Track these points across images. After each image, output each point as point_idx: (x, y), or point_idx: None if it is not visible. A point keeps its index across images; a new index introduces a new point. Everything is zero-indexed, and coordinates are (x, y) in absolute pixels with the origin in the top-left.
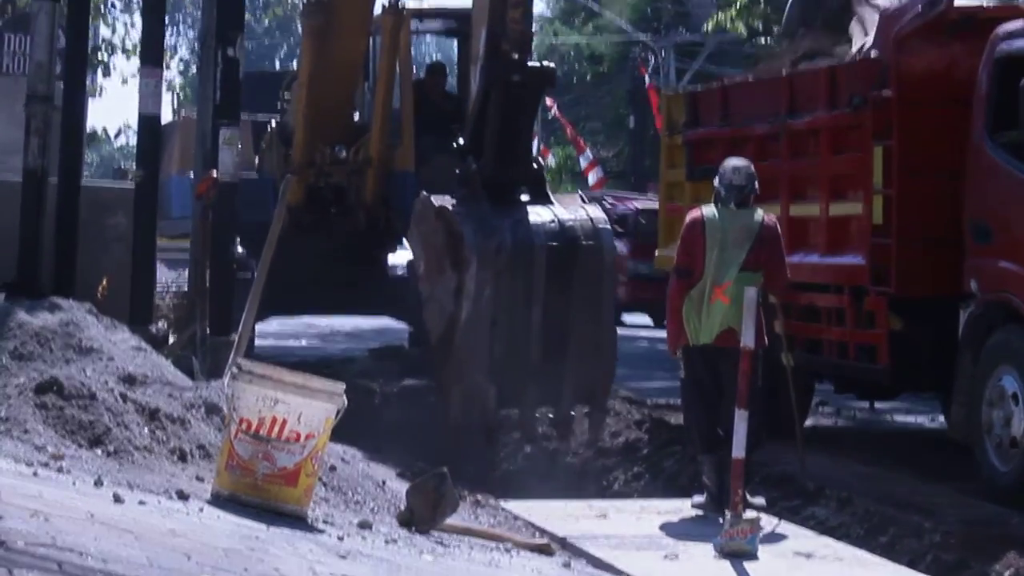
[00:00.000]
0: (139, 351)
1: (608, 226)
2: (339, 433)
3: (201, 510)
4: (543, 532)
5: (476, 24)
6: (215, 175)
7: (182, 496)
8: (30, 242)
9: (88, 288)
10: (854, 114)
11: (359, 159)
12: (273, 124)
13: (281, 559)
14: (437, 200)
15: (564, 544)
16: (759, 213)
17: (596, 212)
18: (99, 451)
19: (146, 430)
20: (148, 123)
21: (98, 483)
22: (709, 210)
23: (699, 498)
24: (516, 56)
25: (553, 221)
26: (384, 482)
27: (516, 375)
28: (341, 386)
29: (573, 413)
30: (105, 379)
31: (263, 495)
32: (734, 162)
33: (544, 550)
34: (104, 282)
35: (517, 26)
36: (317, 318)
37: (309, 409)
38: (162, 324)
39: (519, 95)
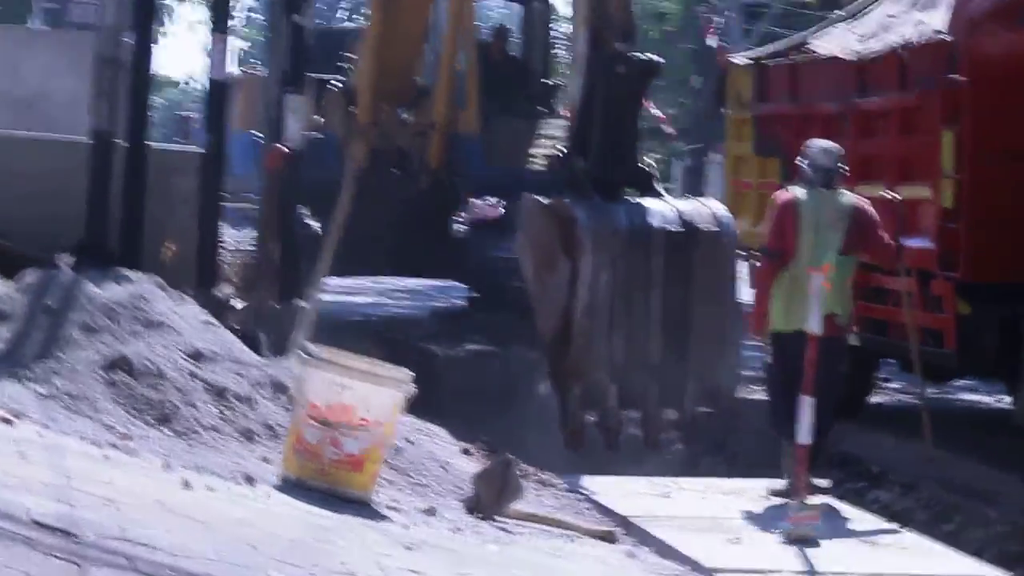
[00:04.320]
0: (207, 326)
1: (729, 215)
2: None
3: (268, 496)
4: (606, 511)
5: (577, 23)
6: (284, 149)
7: (249, 481)
8: (98, 205)
9: (155, 250)
10: (923, 97)
11: (423, 122)
12: (336, 83)
13: (347, 551)
14: (545, 198)
15: (627, 525)
16: (848, 196)
17: (714, 203)
18: (167, 430)
19: (214, 409)
20: (217, 88)
21: (167, 467)
22: (800, 191)
23: (779, 484)
24: (620, 46)
25: (671, 209)
26: (448, 462)
27: (637, 371)
28: (408, 374)
29: (700, 412)
30: (174, 357)
31: (329, 480)
32: (822, 143)
33: (607, 537)
34: (171, 245)
35: (620, 14)
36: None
37: (376, 396)
38: (228, 288)
39: (624, 88)
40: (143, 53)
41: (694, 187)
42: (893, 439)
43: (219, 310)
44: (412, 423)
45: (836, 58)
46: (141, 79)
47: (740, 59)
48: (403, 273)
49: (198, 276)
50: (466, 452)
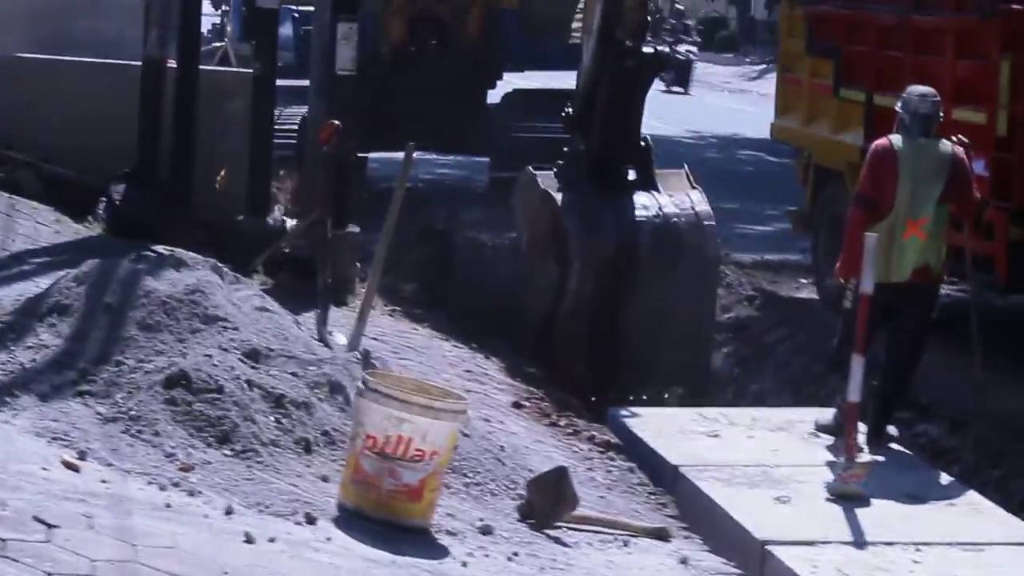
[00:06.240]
0: (262, 312)
1: (712, 220)
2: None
3: (328, 539)
4: (657, 462)
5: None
6: (337, 124)
7: (310, 520)
8: (149, 134)
9: (206, 175)
10: (981, 22)
11: None
12: None
13: None
14: (543, 181)
15: (676, 476)
16: (948, 144)
17: (702, 203)
18: (227, 450)
19: (272, 419)
20: (265, 16)
21: (228, 511)
22: (898, 140)
23: (826, 417)
24: (629, 42)
25: (657, 216)
26: (503, 448)
27: (614, 365)
28: (465, 404)
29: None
30: (231, 362)
31: (387, 511)
32: (920, 90)
33: (661, 535)
34: (223, 172)
35: (634, 16)
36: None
37: (434, 428)
38: (278, 213)
39: (630, 80)
40: None
41: None
42: (944, 360)
43: (272, 236)
44: (463, 364)
45: None
46: (191, 3)
47: None
48: (438, 150)
49: (249, 202)
50: (516, 405)
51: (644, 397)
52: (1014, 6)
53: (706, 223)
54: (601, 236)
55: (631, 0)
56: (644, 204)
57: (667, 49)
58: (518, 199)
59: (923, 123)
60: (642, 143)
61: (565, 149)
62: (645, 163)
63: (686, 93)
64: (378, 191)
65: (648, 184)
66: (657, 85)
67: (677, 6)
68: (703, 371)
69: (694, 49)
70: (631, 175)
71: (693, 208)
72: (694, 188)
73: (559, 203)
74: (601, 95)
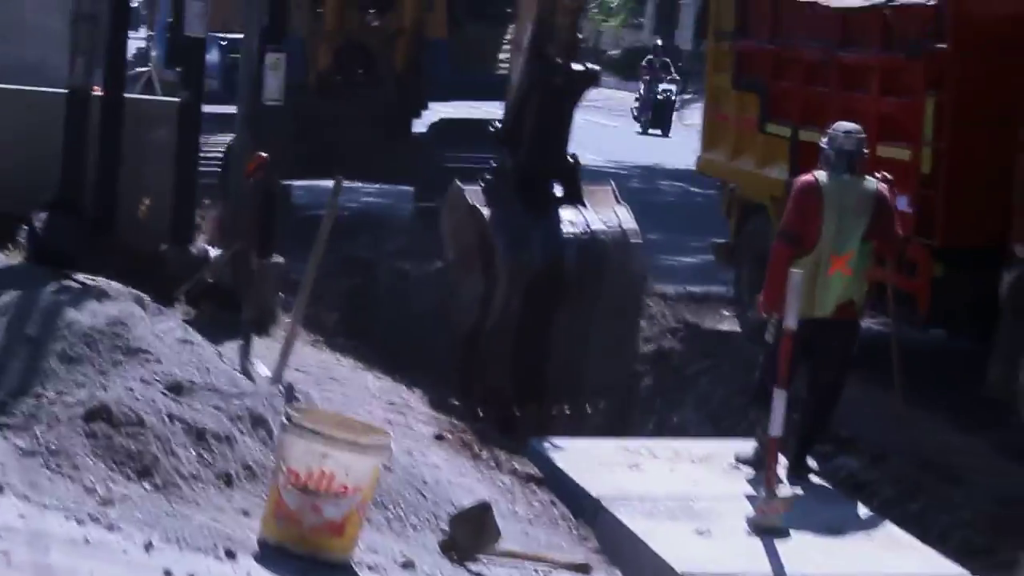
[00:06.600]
0: (185, 344)
1: (639, 239)
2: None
3: (249, 574)
4: (577, 493)
5: (523, 11)
6: (264, 156)
7: (230, 555)
8: (73, 162)
9: (130, 204)
10: (907, 60)
11: (391, 27)
12: None
13: None
14: (470, 196)
15: (597, 508)
16: (872, 181)
17: (628, 220)
18: (147, 484)
19: (193, 453)
20: (194, 45)
21: (148, 546)
22: (822, 176)
23: (746, 450)
24: (560, 60)
25: (585, 232)
26: (425, 482)
27: (537, 376)
28: (388, 440)
29: (589, 410)
30: (153, 395)
31: (309, 547)
32: (845, 126)
33: (583, 569)
34: (147, 201)
35: (565, 33)
36: None
37: (358, 464)
38: (202, 242)
39: (560, 96)
40: (121, 6)
41: None
42: (863, 394)
43: (195, 267)
44: (386, 395)
45: (817, 5)
46: (118, 29)
47: None
48: (363, 179)
49: (173, 231)
50: (438, 438)
51: (567, 410)
52: (939, 44)
53: (632, 240)
54: (528, 252)
55: (563, 18)
56: (571, 220)
57: (595, 68)
58: (445, 213)
59: (848, 160)
60: (570, 159)
61: (492, 164)
62: (572, 179)
63: (666, 136)
64: (302, 219)
65: (575, 200)
66: (633, 127)
67: (657, 42)
68: (627, 386)
69: (673, 88)
70: (558, 191)
71: (620, 225)
72: (620, 204)
73: (486, 218)
74: (530, 111)
